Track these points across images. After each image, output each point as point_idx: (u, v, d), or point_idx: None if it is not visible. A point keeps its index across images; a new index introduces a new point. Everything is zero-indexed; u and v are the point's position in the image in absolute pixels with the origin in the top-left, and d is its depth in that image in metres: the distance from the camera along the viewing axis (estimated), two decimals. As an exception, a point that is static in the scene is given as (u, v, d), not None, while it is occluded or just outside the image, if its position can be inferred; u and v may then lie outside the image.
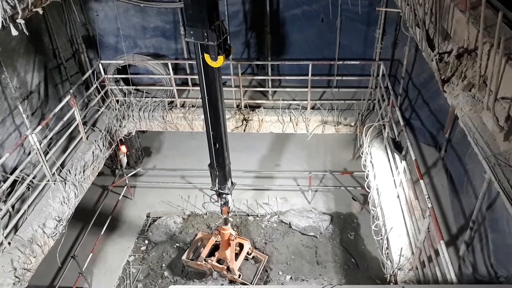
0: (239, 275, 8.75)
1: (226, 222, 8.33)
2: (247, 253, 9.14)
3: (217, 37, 5.54)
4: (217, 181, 7.60)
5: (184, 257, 9.20)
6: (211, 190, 7.83)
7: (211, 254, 9.10)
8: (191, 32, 5.63)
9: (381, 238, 6.84)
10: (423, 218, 5.62)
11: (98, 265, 9.65)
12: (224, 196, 7.77)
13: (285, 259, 9.51)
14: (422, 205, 6.30)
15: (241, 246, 9.15)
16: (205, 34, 5.53)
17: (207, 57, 5.78)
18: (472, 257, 5.33)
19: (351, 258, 9.49)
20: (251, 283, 8.71)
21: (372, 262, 9.21)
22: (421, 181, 5.68)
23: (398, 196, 7.12)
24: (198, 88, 6.76)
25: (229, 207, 7.97)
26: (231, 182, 7.74)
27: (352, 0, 8.89)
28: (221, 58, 5.70)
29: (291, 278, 9.13)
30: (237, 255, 8.89)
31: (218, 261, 8.90)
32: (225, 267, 8.73)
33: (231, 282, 8.91)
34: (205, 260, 8.87)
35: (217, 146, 6.95)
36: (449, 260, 4.72)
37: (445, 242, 4.86)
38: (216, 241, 9.16)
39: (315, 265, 9.38)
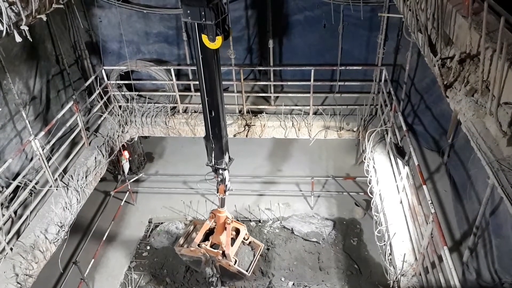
0: (235, 261, 8.18)
1: (222, 203, 7.80)
2: (244, 239, 8.60)
3: (215, 16, 5.30)
4: (213, 155, 7.06)
5: (176, 245, 8.68)
6: (207, 165, 7.34)
7: (205, 240, 8.47)
8: (188, 11, 5.40)
9: (384, 244, 6.81)
10: (426, 223, 5.59)
11: (99, 271, 9.63)
12: (220, 172, 7.24)
13: (287, 265, 9.46)
14: (425, 210, 6.27)
15: (237, 231, 8.57)
16: (203, 13, 5.27)
17: (204, 38, 5.51)
18: (476, 263, 5.30)
19: (354, 264, 9.44)
20: (247, 271, 8.25)
21: (375, 268, 9.16)
22: (424, 187, 5.65)
23: (401, 202, 7.10)
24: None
25: (226, 186, 7.43)
26: (229, 157, 7.23)
27: (354, 6, 8.92)
28: (219, 38, 5.43)
29: (293, 284, 9.08)
30: (233, 241, 8.33)
31: (212, 246, 8.28)
32: (220, 252, 8.09)
33: (225, 270, 8.30)
34: (198, 246, 8.23)
35: (213, 114, 6.46)
36: (452, 266, 4.69)
37: (448, 247, 4.84)
38: (210, 226, 8.51)
39: (318, 271, 9.33)
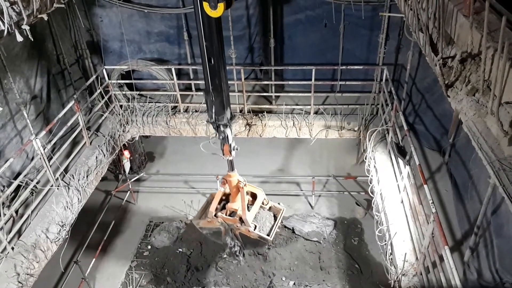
0: (255, 227, 7.60)
1: (231, 166, 7.23)
2: (262, 203, 7.99)
3: None
4: (213, 110, 6.51)
5: (194, 218, 8.23)
6: (207, 122, 6.90)
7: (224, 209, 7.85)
8: None
9: (385, 244, 6.81)
10: (427, 223, 5.58)
11: (100, 271, 9.64)
12: (222, 129, 6.72)
13: (288, 265, 9.47)
14: (426, 210, 6.26)
15: (254, 197, 7.99)
16: None
17: (205, 5, 5.24)
18: (477, 262, 5.29)
19: (354, 264, 9.44)
20: (268, 235, 7.64)
21: (376, 267, 9.16)
22: (425, 186, 5.65)
23: (402, 201, 7.09)
24: (201, 93, 6.61)
25: (231, 145, 6.87)
26: (231, 113, 6.69)
27: (355, 5, 8.91)
28: (221, 5, 5.17)
29: (294, 283, 9.09)
30: (251, 207, 7.76)
31: (230, 214, 7.69)
32: (237, 219, 7.52)
33: (246, 237, 7.73)
34: (215, 215, 7.67)
35: (212, 62, 5.94)
36: (453, 266, 4.69)
37: (449, 247, 4.83)
38: (225, 193, 7.89)
39: (319, 270, 9.33)
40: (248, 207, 7.54)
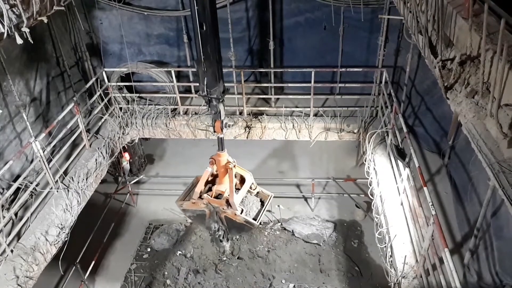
0: (241, 211, 7.20)
1: (221, 145, 6.80)
2: (250, 188, 7.61)
3: None
4: (205, 82, 6.04)
5: (177, 199, 7.66)
6: (199, 96, 6.42)
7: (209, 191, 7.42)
8: None
9: (385, 246, 6.80)
10: (427, 225, 5.57)
11: (100, 273, 9.63)
12: (214, 103, 6.27)
13: (288, 267, 9.45)
14: (426, 212, 6.26)
15: (242, 180, 7.56)
16: None
17: None
18: (477, 265, 5.29)
19: (354, 266, 9.42)
20: (255, 220, 7.28)
21: (376, 270, 9.15)
22: (425, 188, 5.65)
23: (401, 204, 7.09)
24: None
25: (223, 121, 6.43)
26: (224, 86, 6.25)
27: (355, 8, 8.93)
28: None
29: (294, 286, 9.07)
30: (238, 191, 7.35)
31: (216, 197, 7.26)
32: (224, 202, 7.11)
33: (231, 221, 7.31)
34: (200, 197, 7.22)
35: (204, 28, 5.48)
36: (453, 268, 4.68)
37: (449, 249, 4.82)
38: (212, 173, 7.44)
39: (319, 273, 9.32)
40: (235, 191, 7.15)
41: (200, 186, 7.25)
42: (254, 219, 7.29)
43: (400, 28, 9.00)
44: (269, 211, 10.12)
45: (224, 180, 7.16)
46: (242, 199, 7.38)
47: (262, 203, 7.76)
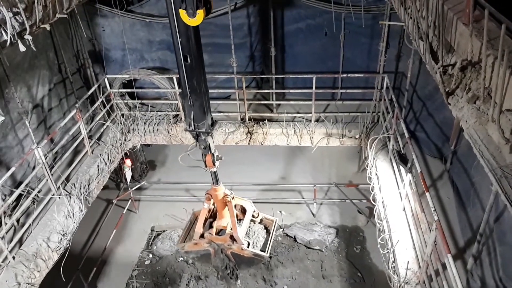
0: (248, 244, 6.88)
1: (215, 179, 6.41)
2: (252, 217, 7.29)
3: None
4: (192, 117, 5.71)
5: (178, 242, 7.38)
6: (185, 131, 6.07)
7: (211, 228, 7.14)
8: None
9: (387, 252, 6.77)
10: (430, 231, 5.55)
11: (102, 280, 9.60)
12: (203, 138, 5.93)
13: (290, 274, 9.42)
14: (428, 218, 6.24)
15: (243, 210, 7.24)
16: None
17: (182, 13, 4.73)
18: (480, 270, 5.26)
19: (357, 272, 9.38)
20: (263, 251, 6.96)
21: (378, 276, 9.11)
22: (427, 194, 5.63)
23: (404, 209, 7.07)
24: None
25: (214, 153, 6.09)
26: (212, 119, 5.90)
27: (356, 14, 8.96)
28: (200, 12, 4.59)
29: (296, 292, 9.03)
30: (240, 222, 7.10)
31: (218, 233, 6.95)
32: (228, 238, 6.80)
33: (239, 256, 6.93)
34: (201, 236, 6.88)
35: (189, 61, 5.13)
36: (456, 274, 4.65)
37: (452, 255, 4.80)
38: (210, 209, 7.14)
39: (321, 279, 9.28)
40: (238, 222, 6.90)
41: (200, 225, 6.93)
42: (263, 250, 7.01)
43: (401, 34, 9.03)
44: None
45: (224, 213, 6.88)
46: (246, 230, 7.09)
47: (267, 229, 7.45)
